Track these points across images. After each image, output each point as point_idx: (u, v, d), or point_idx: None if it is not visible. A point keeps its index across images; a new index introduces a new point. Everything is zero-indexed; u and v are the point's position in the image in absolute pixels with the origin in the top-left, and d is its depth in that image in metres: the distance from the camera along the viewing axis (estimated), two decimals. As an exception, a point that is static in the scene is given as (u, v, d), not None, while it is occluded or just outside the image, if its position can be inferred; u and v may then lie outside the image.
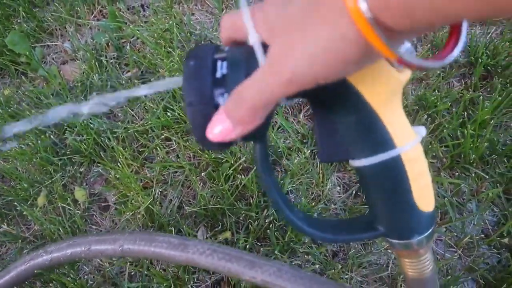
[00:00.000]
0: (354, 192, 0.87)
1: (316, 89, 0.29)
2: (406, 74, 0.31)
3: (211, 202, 0.86)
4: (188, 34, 1.05)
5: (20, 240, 0.91)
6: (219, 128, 0.29)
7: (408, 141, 0.34)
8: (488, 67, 0.95)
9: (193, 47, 0.31)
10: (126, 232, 0.71)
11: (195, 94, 0.30)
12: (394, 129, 0.33)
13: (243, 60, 0.30)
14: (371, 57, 0.24)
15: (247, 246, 0.81)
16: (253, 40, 0.28)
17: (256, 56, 0.29)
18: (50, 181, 0.93)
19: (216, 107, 0.30)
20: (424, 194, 0.36)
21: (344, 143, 0.35)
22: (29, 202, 0.93)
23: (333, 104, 0.33)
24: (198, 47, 0.31)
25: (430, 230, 0.39)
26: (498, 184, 0.85)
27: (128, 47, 1.05)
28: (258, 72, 0.26)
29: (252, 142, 0.35)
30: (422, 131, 0.35)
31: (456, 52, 0.27)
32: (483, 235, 0.83)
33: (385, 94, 0.32)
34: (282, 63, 0.24)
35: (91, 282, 0.85)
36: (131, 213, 0.90)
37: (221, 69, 0.30)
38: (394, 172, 0.35)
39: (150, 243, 0.68)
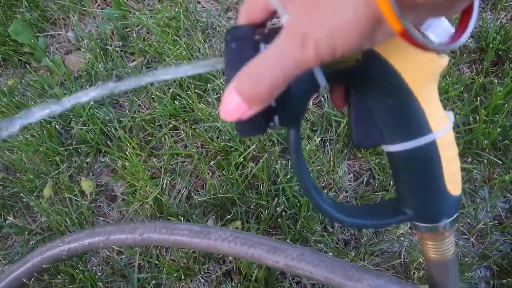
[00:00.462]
0: (365, 180, 0.86)
1: (357, 72, 0.30)
2: (445, 59, 0.31)
3: (220, 191, 0.84)
4: (195, 21, 1.03)
5: (26, 232, 0.90)
6: (233, 105, 0.26)
7: (443, 126, 0.34)
8: (499, 52, 0.94)
9: (230, 28, 0.30)
10: (146, 221, 0.71)
11: None
12: (430, 114, 0.33)
13: None
14: (382, 30, 0.23)
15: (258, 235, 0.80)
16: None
17: None
18: (56, 171, 0.92)
19: None
20: (454, 178, 0.36)
21: (379, 128, 0.35)
22: (35, 194, 0.91)
23: (373, 87, 0.33)
24: (236, 28, 0.30)
25: (457, 214, 0.39)
26: (510, 170, 0.84)
27: (133, 35, 1.03)
28: (277, 44, 0.25)
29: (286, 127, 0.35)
30: (451, 115, 0.35)
31: (465, 37, 0.26)
32: (496, 222, 0.82)
33: (425, 78, 0.32)
34: (303, 33, 0.23)
35: (100, 274, 0.83)
36: (139, 204, 0.89)
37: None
38: (429, 157, 0.34)
39: (171, 231, 0.67)
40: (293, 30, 0.24)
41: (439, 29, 0.29)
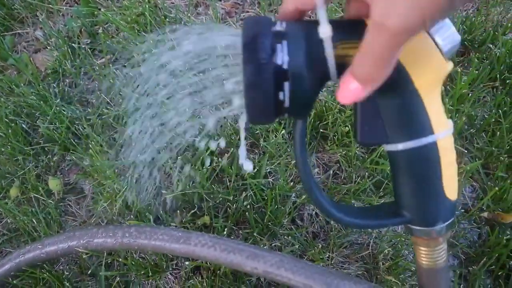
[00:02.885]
0: (333, 172, 0.86)
1: None
2: (450, 64, 0.33)
3: (188, 187, 0.84)
4: (163, 17, 1.03)
5: (-8, 233, 0.88)
6: (350, 89, 0.29)
7: (444, 129, 0.35)
8: (465, 43, 0.94)
9: (248, 20, 0.31)
10: (126, 225, 0.70)
11: (255, 75, 0.30)
12: (433, 115, 0.34)
13: (303, 37, 0.30)
14: None
15: (226, 230, 0.80)
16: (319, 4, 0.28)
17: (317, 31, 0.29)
18: (22, 171, 0.91)
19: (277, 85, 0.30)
20: (452, 182, 0.37)
21: (384, 127, 0.35)
22: (1, 194, 0.90)
23: (382, 87, 0.32)
24: (254, 20, 0.32)
25: (452, 219, 0.39)
26: (477, 159, 0.84)
27: (102, 33, 1.02)
28: (372, 30, 0.26)
29: (293, 118, 0.36)
30: (451, 123, 0.36)
31: None
32: (463, 210, 0.83)
33: (432, 80, 0.33)
34: (390, 13, 0.24)
35: (67, 273, 0.82)
36: (107, 202, 0.87)
37: (281, 50, 0.30)
38: (429, 158, 0.35)
39: (151, 236, 0.67)
40: (383, 16, 0.25)
41: (447, 33, 0.32)
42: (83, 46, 1.03)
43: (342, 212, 0.40)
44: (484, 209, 0.81)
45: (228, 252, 0.59)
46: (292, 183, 0.83)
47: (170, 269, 0.82)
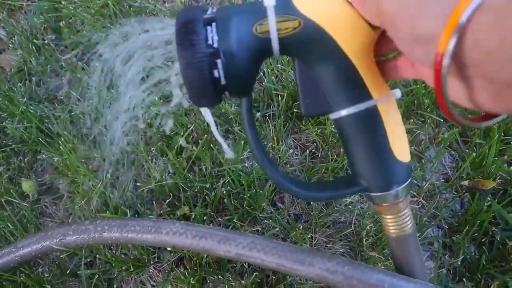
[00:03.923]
0: (311, 151, 0.84)
1: (298, 40, 0.33)
2: (377, 32, 0.34)
3: (164, 178, 0.82)
4: (128, 7, 0.99)
5: (-33, 241, 0.86)
6: None
7: (384, 94, 0.37)
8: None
9: (181, 10, 0.34)
10: (97, 219, 0.69)
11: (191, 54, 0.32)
12: (370, 81, 0.36)
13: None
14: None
15: (205, 218, 0.78)
16: None
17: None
18: (-6, 175, 0.88)
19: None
20: (400, 144, 0.39)
21: (325, 96, 0.37)
22: (-26, 201, 0.87)
23: (313, 56, 0.35)
24: (186, 9, 0.34)
25: (408, 182, 0.41)
26: (454, 127, 0.83)
27: (65, 27, 0.99)
28: None
29: (238, 97, 0.37)
30: (398, 92, 0.38)
31: (496, 120, 0.30)
32: (443, 180, 0.82)
33: (358, 44, 0.34)
34: None
35: (47, 275, 0.80)
36: (84, 199, 0.85)
37: (211, 31, 0.32)
38: (371, 121, 0.37)
39: (122, 228, 0.66)
40: None
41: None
42: (48, 42, 1.00)
43: (300, 187, 0.41)
44: (464, 177, 0.80)
45: (200, 238, 0.58)
46: (269, 166, 0.81)
47: (152, 262, 0.80)
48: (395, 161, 0.39)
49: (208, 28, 0.32)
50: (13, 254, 0.73)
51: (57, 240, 0.70)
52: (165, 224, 0.63)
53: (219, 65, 0.32)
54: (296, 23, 0.33)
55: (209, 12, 0.33)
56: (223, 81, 0.33)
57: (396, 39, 0.29)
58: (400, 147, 0.39)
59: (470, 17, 0.22)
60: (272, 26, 0.33)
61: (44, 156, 0.88)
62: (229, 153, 0.49)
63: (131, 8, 0.99)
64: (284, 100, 0.83)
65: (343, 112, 0.37)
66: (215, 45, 0.32)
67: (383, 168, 0.39)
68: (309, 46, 0.34)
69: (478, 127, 0.31)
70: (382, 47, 0.37)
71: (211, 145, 0.82)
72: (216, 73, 0.33)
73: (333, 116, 0.38)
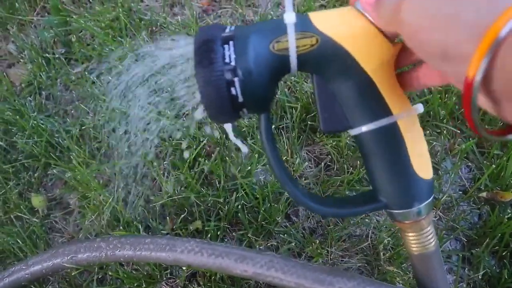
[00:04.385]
0: (325, 164, 0.83)
1: (315, 56, 0.33)
2: (397, 47, 0.33)
3: (176, 192, 0.81)
4: (138, 20, 0.99)
5: (-23, 257, 0.84)
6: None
7: (404, 110, 0.36)
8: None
9: (200, 29, 0.34)
10: (110, 237, 0.68)
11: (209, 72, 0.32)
12: (389, 97, 0.35)
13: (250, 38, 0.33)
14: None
15: (219, 233, 0.77)
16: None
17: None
18: (3, 190, 0.87)
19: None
20: (421, 161, 0.38)
21: (343, 112, 0.37)
22: (-18, 216, 0.86)
23: (331, 72, 0.35)
24: (204, 28, 0.34)
25: (430, 199, 0.39)
26: (470, 138, 0.82)
27: (75, 41, 0.99)
28: None
29: (257, 113, 0.37)
30: (420, 107, 0.37)
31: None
32: (461, 192, 0.81)
33: (377, 60, 0.33)
34: None
35: (58, 292, 0.79)
36: (95, 215, 0.84)
37: (228, 50, 0.33)
38: (392, 137, 0.36)
39: (136, 246, 0.65)
40: None
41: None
42: (58, 56, 0.99)
43: (318, 203, 0.40)
44: (482, 189, 0.79)
45: (216, 257, 0.57)
46: (283, 179, 0.80)
47: (165, 278, 0.78)
48: (416, 178, 0.38)
49: (226, 46, 0.32)
50: (23, 271, 0.71)
51: (68, 258, 0.69)
52: (180, 242, 0.62)
53: (237, 83, 0.32)
54: (314, 40, 0.33)
55: (227, 30, 0.34)
56: (240, 99, 0.33)
57: (420, 52, 0.27)
58: (422, 163, 0.38)
59: (504, 38, 0.21)
60: (292, 43, 0.33)
61: (54, 171, 0.86)
62: (244, 148, 0.50)
63: (142, 22, 0.99)
64: (298, 113, 0.82)
65: (363, 129, 0.36)
66: (233, 63, 0.32)
67: (404, 185, 0.38)
68: (327, 63, 0.34)
69: (504, 140, 0.31)
70: (402, 59, 0.36)
71: (226, 157, 0.81)
72: (233, 91, 0.33)
73: (353, 132, 0.38)
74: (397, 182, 0.38)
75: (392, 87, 0.35)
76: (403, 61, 0.36)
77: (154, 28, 1.00)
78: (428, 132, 0.83)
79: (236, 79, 0.32)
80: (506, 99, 0.23)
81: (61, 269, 0.72)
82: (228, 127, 0.43)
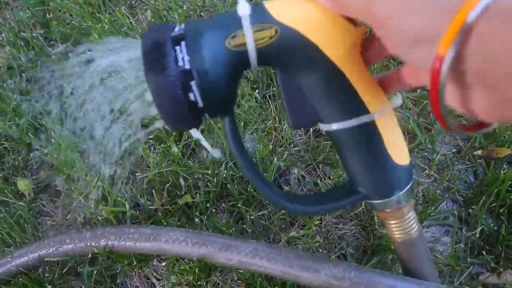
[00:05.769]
0: (315, 129, 0.81)
1: (277, 49, 0.30)
2: (360, 30, 0.31)
3: (163, 166, 0.79)
4: (116, -5, 0.96)
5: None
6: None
7: (380, 102, 0.34)
8: None
9: (146, 30, 0.31)
10: (97, 228, 0.68)
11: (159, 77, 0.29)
12: (362, 88, 0.32)
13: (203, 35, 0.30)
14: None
15: (208, 205, 0.75)
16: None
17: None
18: (-12, 176, 0.85)
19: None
20: (398, 148, 0.36)
21: (312, 106, 0.34)
22: (-32, 203, 0.84)
23: (295, 65, 0.32)
24: (151, 29, 0.31)
25: (409, 185, 0.39)
26: (463, 96, 0.80)
27: (53, 20, 0.96)
28: None
29: (220, 117, 0.35)
30: (398, 100, 0.35)
31: (488, 129, 0.27)
32: (455, 151, 0.78)
33: (341, 45, 0.31)
34: None
35: (48, 275, 0.77)
36: (82, 195, 0.82)
37: (181, 52, 0.29)
38: (368, 134, 0.34)
39: (120, 237, 0.65)
40: None
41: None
42: (36, 36, 0.97)
43: (296, 202, 0.38)
44: (477, 146, 0.76)
45: (200, 246, 0.56)
46: (272, 147, 0.78)
47: (156, 255, 0.77)
48: (394, 165, 0.36)
49: (177, 48, 0.29)
50: (9, 264, 0.71)
51: (54, 249, 0.69)
52: (164, 232, 0.62)
53: (194, 87, 0.29)
54: (273, 31, 0.30)
55: (176, 29, 0.30)
56: (200, 104, 0.30)
57: (387, 39, 0.26)
58: (398, 150, 0.36)
59: (475, 20, 0.19)
60: (249, 38, 0.30)
61: (37, 153, 0.84)
62: (216, 153, 0.47)
63: (120, -4, 0.96)
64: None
65: (334, 126, 0.34)
66: (187, 66, 0.29)
67: (382, 176, 0.37)
68: (289, 55, 0.31)
69: (468, 136, 0.29)
70: (371, 55, 0.33)
71: (212, 128, 0.79)
72: (192, 96, 0.30)
73: (324, 127, 0.36)
74: (375, 173, 0.37)
75: (363, 77, 0.33)
76: (372, 57, 0.34)
77: (133, 2, 0.97)
78: (418, 90, 0.80)
79: (192, 83, 0.29)
80: (477, 83, 0.22)
81: (47, 259, 0.71)
82: (194, 132, 0.38)
